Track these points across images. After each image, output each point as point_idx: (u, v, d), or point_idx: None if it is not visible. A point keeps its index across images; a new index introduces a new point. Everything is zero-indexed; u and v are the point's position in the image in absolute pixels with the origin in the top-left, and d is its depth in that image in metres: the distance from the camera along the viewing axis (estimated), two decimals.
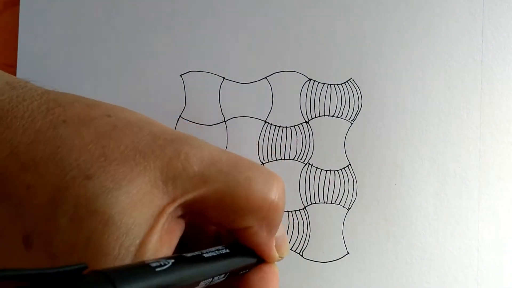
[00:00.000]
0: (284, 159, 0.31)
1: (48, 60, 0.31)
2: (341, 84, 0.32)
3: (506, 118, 0.32)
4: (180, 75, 0.32)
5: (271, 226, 0.21)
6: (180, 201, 0.18)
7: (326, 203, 0.31)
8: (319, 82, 0.32)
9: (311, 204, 0.31)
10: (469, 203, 0.31)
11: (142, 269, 0.16)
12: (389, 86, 0.32)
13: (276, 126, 0.32)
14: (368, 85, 0.32)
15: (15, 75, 0.31)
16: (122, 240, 0.17)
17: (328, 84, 0.32)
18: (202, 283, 0.18)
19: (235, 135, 0.31)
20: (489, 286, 0.31)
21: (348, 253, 0.31)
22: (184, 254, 0.18)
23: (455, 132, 0.31)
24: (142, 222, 0.17)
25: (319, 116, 0.32)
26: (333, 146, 0.31)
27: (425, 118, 0.31)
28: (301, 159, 0.31)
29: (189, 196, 0.19)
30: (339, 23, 0.32)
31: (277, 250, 0.23)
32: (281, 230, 0.23)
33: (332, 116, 0.32)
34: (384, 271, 0.31)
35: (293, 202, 0.31)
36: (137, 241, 0.17)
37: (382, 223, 0.31)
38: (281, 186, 0.21)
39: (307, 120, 0.32)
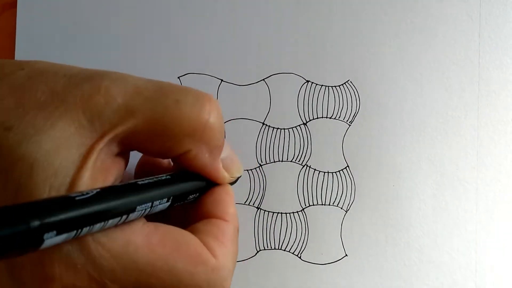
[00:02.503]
0: (282, 161, 0.31)
1: None
2: (338, 86, 0.32)
3: (503, 119, 0.32)
4: (178, 77, 0.32)
5: (211, 147, 0.21)
6: (109, 136, 0.18)
7: (324, 205, 0.31)
8: (316, 84, 0.32)
9: (309, 206, 0.31)
10: (467, 205, 0.31)
11: (60, 200, 0.16)
12: (387, 88, 0.32)
13: (274, 128, 0.32)
14: (366, 86, 0.32)
15: None
16: (51, 180, 0.17)
17: (326, 86, 0.32)
18: (140, 208, 0.18)
19: (233, 137, 0.31)
20: (487, 287, 0.31)
21: (346, 255, 0.31)
22: (115, 185, 0.18)
23: (452, 134, 0.32)
24: (70, 162, 0.17)
25: (317, 118, 0.32)
26: (331, 148, 0.31)
27: (422, 120, 0.32)
28: (299, 161, 0.31)
29: (118, 130, 0.18)
30: (336, 25, 0.32)
31: (227, 171, 0.23)
32: (227, 150, 0.23)
33: (330, 118, 0.32)
34: (383, 273, 0.31)
35: (291, 204, 0.31)
36: (67, 180, 0.17)
37: (380, 225, 0.31)
38: (214, 105, 0.20)
39: (305, 122, 0.32)
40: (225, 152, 0.23)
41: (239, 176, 0.24)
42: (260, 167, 0.31)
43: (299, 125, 0.32)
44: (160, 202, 0.19)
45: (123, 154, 0.20)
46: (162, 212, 0.21)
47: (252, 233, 0.31)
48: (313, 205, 0.31)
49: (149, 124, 0.19)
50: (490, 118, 0.32)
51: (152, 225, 0.19)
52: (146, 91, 0.19)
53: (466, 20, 0.32)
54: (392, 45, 0.32)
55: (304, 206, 0.31)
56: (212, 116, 0.20)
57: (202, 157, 0.21)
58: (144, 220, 0.19)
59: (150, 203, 0.19)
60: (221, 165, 0.22)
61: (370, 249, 0.31)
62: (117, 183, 0.20)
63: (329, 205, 0.31)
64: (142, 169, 0.25)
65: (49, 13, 0.32)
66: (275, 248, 0.31)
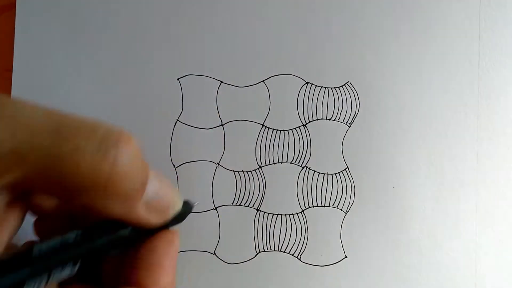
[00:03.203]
0: (281, 162, 0.31)
1: (44, 64, 0.31)
2: (338, 87, 0.32)
3: (503, 121, 0.32)
4: (178, 79, 0.32)
5: (122, 195, 0.17)
6: None
7: (324, 206, 0.31)
8: (316, 86, 0.32)
9: (309, 207, 0.31)
10: (467, 206, 0.31)
11: None
12: (387, 89, 0.32)
13: (273, 129, 0.32)
14: (366, 88, 0.32)
15: (11, 79, 0.31)
16: None
17: (326, 88, 0.32)
18: (31, 282, 0.16)
19: (232, 138, 0.31)
20: None
21: (346, 256, 0.31)
22: (8, 252, 0.16)
23: (452, 135, 0.32)
24: None
25: (317, 119, 0.32)
26: (330, 150, 0.31)
27: (422, 122, 0.32)
28: (298, 163, 0.31)
29: (4, 180, 0.16)
30: (336, 26, 0.32)
31: (157, 212, 0.19)
32: (153, 186, 0.18)
33: (330, 119, 0.32)
34: (382, 275, 0.31)
35: (290, 205, 0.31)
36: None
37: (380, 226, 0.31)
38: (124, 149, 0.16)
39: (304, 124, 0.32)
40: (151, 188, 0.18)
41: (187, 209, 0.20)
42: (259, 168, 0.31)
43: (298, 127, 0.32)
44: (63, 268, 0.17)
45: (20, 199, 0.17)
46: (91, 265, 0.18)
47: (251, 235, 0.31)
48: (313, 206, 0.31)
49: (41, 174, 0.16)
50: (490, 119, 0.32)
51: None
52: (40, 135, 0.16)
53: (465, 22, 0.32)
54: (392, 47, 0.32)
55: (303, 208, 0.31)
56: (118, 163, 0.16)
57: (113, 208, 0.17)
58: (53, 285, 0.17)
59: (47, 274, 0.16)
60: (141, 211, 0.18)
61: (370, 250, 0.31)
62: (13, 234, 0.17)
63: (329, 206, 0.31)
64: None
65: (48, 14, 0.31)
66: (275, 250, 0.31)
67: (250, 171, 0.31)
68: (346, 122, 0.32)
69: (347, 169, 0.31)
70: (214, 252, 0.31)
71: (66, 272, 0.17)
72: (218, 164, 0.31)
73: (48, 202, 0.20)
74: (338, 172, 0.31)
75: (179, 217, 0.20)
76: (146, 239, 0.19)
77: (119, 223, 0.18)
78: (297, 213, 0.31)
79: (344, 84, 0.32)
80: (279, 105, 0.32)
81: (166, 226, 0.19)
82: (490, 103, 0.32)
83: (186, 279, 0.30)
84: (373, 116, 0.32)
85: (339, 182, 0.31)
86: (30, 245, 0.16)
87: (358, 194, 0.31)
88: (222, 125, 0.31)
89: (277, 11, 0.32)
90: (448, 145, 0.31)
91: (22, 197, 0.17)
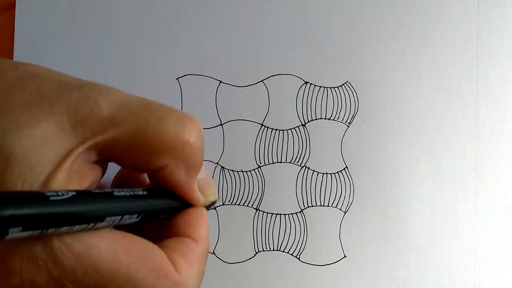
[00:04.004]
0: (280, 162, 0.31)
1: (44, 64, 0.31)
2: (337, 87, 0.32)
3: (501, 120, 0.32)
4: (177, 79, 0.32)
5: (188, 165, 0.21)
6: (89, 143, 0.18)
7: (323, 206, 0.31)
8: (315, 85, 0.32)
9: (308, 207, 0.31)
10: (466, 206, 0.31)
11: (34, 195, 0.16)
12: (385, 89, 0.32)
13: (272, 129, 0.32)
14: (364, 88, 0.32)
15: None
16: (25, 176, 0.17)
17: (325, 87, 0.32)
18: (109, 219, 0.18)
19: (231, 138, 0.31)
20: None
21: (345, 256, 0.31)
22: (92, 190, 0.19)
23: (451, 135, 0.32)
24: (47, 161, 0.17)
25: (316, 119, 0.32)
26: (329, 149, 0.31)
27: (421, 121, 0.32)
28: (297, 162, 0.31)
29: (99, 139, 0.19)
30: (335, 26, 0.32)
31: (202, 193, 0.23)
32: (204, 172, 0.23)
33: (329, 119, 0.32)
34: (381, 274, 0.31)
35: (289, 205, 0.31)
36: (42, 178, 0.17)
37: (379, 225, 0.31)
38: (196, 127, 0.21)
39: (303, 123, 0.32)
40: (202, 174, 0.23)
41: (214, 201, 0.24)
42: (258, 168, 0.31)
43: (297, 126, 0.32)
44: (130, 217, 0.20)
45: (101, 163, 0.20)
46: (133, 225, 0.21)
47: (250, 234, 0.31)
48: (312, 206, 0.31)
49: (130, 136, 0.19)
50: (489, 119, 0.32)
51: (119, 233, 0.19)
52: (131, 106, 0.19)
53: (464, 21, 0.32)
54: (391, 46, 0.32)
55: (303, 207, 0.31)
56: (192, 136, 0.20)
57: (178, 174, 0.21)
58: (111, 227, 0.19)
59: (120, 216, 0.19)
60: (196, 186, 0.22)
61: (368, 250, 0.31)
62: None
63: (327, 206, 0.31)
64: (119, 182, 0.25)
65: (48, 14, 0.32)
66: (274, 250, 0.31)
67: (249, 171, 0.31)
68: (345, 122, 0.32)
69: (346, 168, 0.31)
70: (213, 252, 0.31)
71: (130, 220, 0.20)
72: (217, 163, 0.31)
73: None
74: (337, 172, 0.31)
75: (210, 205, 0.24)
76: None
77: (172, 195, 0.22)
78: (296, 213, 0.31)
79: (343, 84, 0.32)
80: (278, 105, 0.32)
81: None
82: (489, 102, 0.32)
83: None
84: (372, 116, 0.32)
85: (338, 181, 0.31)
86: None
87: (357, 194, 0.31)
88: (221, 124, 0.31)
89: (276, 11, 0.32)
90: (447, 144, 0.31)
91: (104, 161, 0.20)
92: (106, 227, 0.19)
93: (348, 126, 0.32)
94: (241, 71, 0.32)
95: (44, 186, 0.17)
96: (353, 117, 0.32)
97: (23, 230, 0.15)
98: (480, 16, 0.32)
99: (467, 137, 0.32)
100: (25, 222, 0.15)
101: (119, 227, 0.20)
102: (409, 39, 0.32)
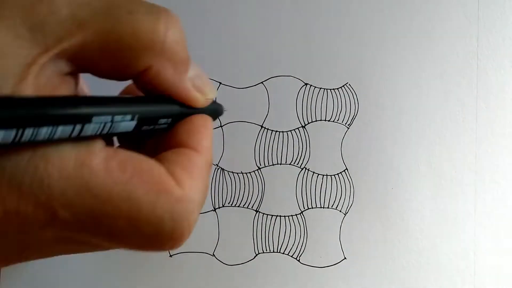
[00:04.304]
0: (280, 163, 0.31)
1: None
2: (337, 88, 0.32)
3: (501, 121, 0.32)
4: None
5: (175, 61, 0.19)
6: (54, 50, 0.16)
7: (323, 208, 0.31)
8: (315, 87, 0.32)
9: (308, 209, 0.31)
10: (466, 207, 0.31)
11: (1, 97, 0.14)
12: (385, 91, 0.32)
13: (272, 130, 0.32)
14: (364, 89, 0.32)
15: None
16: None
17: (325, 89, 0.32)
18: (97, 120, 0.16)
19: (231, 140, 0.31)
20: None
21: (345, 257, 0.31)
22: (68, 96, 0.17)
23: (451, 136, 0.32)
24: (9, 73, 0.15)
25: (316, 120, 0.32)
26: (329, 151, 0.31)
27: (421, 123, 0.32)
28: (297, 164, 0.31)
29: (65, 45, 0.16)
30: (335, 28, 0.32)
31: (198, 91, 0.21)
32: (194, 68, 0.21)
33: (329, 120, 0.32)
34: (381, 276, 0.31)
35: (289, 207, 0.31)
36: (6, 92, 0.15)
37: (379, 227, 0.31)
38: (171, 16, 0.18)
39: (303, 125, 0.32)
40: (193, 71, 0.20)
41: (215, 104, 0.22)
42: (258, 170, 0.31)
43: (297, 128, 0.32)
44: (122, 118, 0.17)
45: (74, 75, 0.18)
46: (132, 141, 0.20)
47: (251, 236, 0.31)
48: (312, 208, 0.31)
49: (100, 38, 0.17)
50: (489, 120, 0.32)
51: (111, 149, 0.17)
52: (94, 2, 0.17)
53: (464, 22, 0.32)
54: (391, 48, 0.32)
55: (303, 209, 0.31)
56: (170, 27, 0.18)
57: (166, 73, 0.19)
58: (103, 143, 0.18)
59: (110, 117, 0.17)
60: (189, 84, 0.20)
61: (368, 251, 0.31)
62: None
63: (327, 208, 0.31)
64: None
65: None
66: (274, 251, 0.31)
67: (249, 172, 0.31)
68: (345, 124, 0.32)
69: (346, 170, 0.31)
70: (213, 254, 0.31)
71: (124, 125, 0.18)
72: (217, 165, 0.31)
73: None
74: (337, 173, 0.31)
75: (213, 112, 0.22)
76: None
77: (168, 99, 0.20)
78: (296, 215, 0.31)
79: (343, 86, 0.32)
80: (278, 107, 0.32)
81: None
82: (489, 104, 0.32)
83: (185, 280, 0.30)
84: (372, 118, 0.32)
85: (338, 183, 0.31)
86: None
87: (357, 195, 0.31)
88: (221, 126, 0.31)
89: (276, 12, 0.32)
90: (447, 146, 0.31)
91: (76, 72, 0.18)
92: (96, 137, 0.17)
93: (348, 128, 0.32)
94: (241, 73, 0.32)
95: None
96: (353, 119, 0.32)
97: None
98: (480, 17, 0.32)
99: (467, 139, 0.32)
100: None
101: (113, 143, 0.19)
102: (409, 41, 0.32)
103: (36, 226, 0.16)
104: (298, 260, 0.31)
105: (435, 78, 0.32)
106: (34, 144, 0.15)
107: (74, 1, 0.17)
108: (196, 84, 0.20)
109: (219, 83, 0.31)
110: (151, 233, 0.17)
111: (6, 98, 0.14)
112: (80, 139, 0.16)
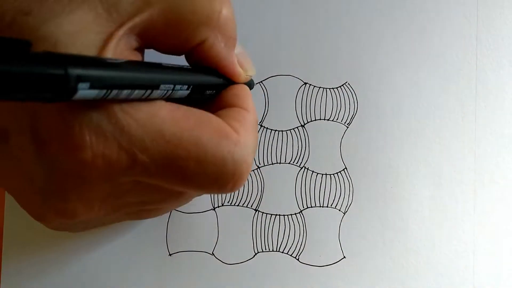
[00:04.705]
0: (279, 163, 0.31)
1: None
2: (336, 88, 0.32)
3: (501, 121, 0.32)
4: None
5: (226, 36, 0.21)
6: (127, 25, 0.19)
7: (322, 207, 0.31)
8: (314, 86, 0.32)
9: (307, 208, 0.31)
10: (465, 207, 0.31)
11: (95, 58, 0.16)
12: (385, 90, 0.32)
13: (271, 130, 0.32)
14: (364, 89, 0.32)
15: None
16: None
17: (324, 88, 0.32)
18: (163, 87, 0.19)
19: None
20: None
21: (344, 257, 0.31)
22: (143, 61, 0.19)
23: (450, 136, 0.32)
24: (92, 45, 0.18)
25: (315, 120, 0.32)
26: (329, 150, 0.31)
27: (420, 122, 0.32)
28: (297, 163, 0.31)
29: (135, 20, 0.19)
30: (334, 27, 0.32)
31: (241, 67, 0.23)
32: (239, 46, 0.23)
33: (328, 120, 0.32)
34: (381, 275, 0.31)
35: (289, 206, 0.31)
36: None
37: (378, 226, 0.31)
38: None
39: (302, 124, 0.32)
40: (239, 49, 0.23)
41: (251, 79, 0.25)
42: (258, 169, 0.31)
43: (297, 127, 0.32)
44: (181, 88, 0.20)
45: (140, 50, 0.21)
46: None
47: (250, 235, 0.31)
48: (311, 207, 0.31)
49: (165, 14, 0.19)
50: (488, 120, 0.32)
51: (174, 104, 0.20)
52: None
53: (463, 22, 0.32)
54: (390, 47, 0.32)
55: (302, 208, 0.31)
56: (225, 6, 0.21)
57: (219, 46, 0.21)
58: (164, 101, 0.20)
59: (173, 85, 0.19)
60: (236, 60, 0.23)
61: (368, 251, 0.31)
62: None
63: (327, 207, 0.31)
64: None
65: None
66: (273, 250, 0.31)
67: None
68: (344, 123, 0.32)
69: (345, 169, 0.31)
70: (212, 253, 0.31)
71: (181, 93, 0.20)
72: None
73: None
74: (336, 173, 0.31)
75: (250, 85, 0.25)
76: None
77: (215, 72, 0.22)
78: (295, 214, 0.31)
79: (342, 85, 0.32)
80: (277, 106, 0.32)
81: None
82: (488, 104, 0.32)
83: (184, 279, 0.30)
84: (371, 117, 0.32)
85: (337, 182, 0.31)
86: None
87: (356, 195, 0.31)
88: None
89: (275, 11, 0.32)
90: (446, 145, 0.32)
91: (142, 48, 0.21)
92: (160, 98, 0.19)
93: (348, 127, 0.32)
94: None
95: None
96: (352, 118, 0.32)
97: (90, 88, 0.15)
98: (479, 17, 0.32)
99: (467, 138, 0.32)
100: (91, 80, 0.15)
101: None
102: (408, 40, 0.32)
103: (119, 171, 0.18)
104: (297, 259, 0.31)
105: (434, 78, 0.32)
106: (116, 100, 0.17)
107: None
108: (240, 60, 0.23)
109: None
110: (217, 172, 0.20)
111: (104, 62, 0.16)
112: (148, 99, 0.19)
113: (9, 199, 0.30)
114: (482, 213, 0.31)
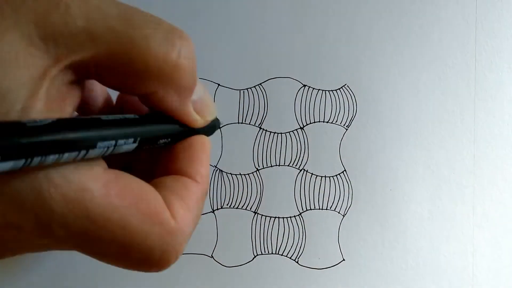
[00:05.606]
0: (279, 165, 0.31)
1: None
2: (335, 90, 0.32)
3: (499, 123, 0.32)
4: None
5: (180, 88, 0.19)
6: (65, 62, 0.16)
7: (322, 209, 0.31)
8: (313, 88, 0.32)
9: (307, 210, 0.31)
10: (464, 208, 0.31)
11: (9, 124, 0.14)
12: (384, 92, 0.32)
13: (271, 132, 0.31)
14: (363, 91, 0.32)
15: None
16: None
17: (323, 90, 0.32)
18: (101, 145, 0.17)
19: (230, 141, 0.31)
20: None
21: (343, 259, 0.31)
22: (77, 117, 0.17)
23: (449, 138, 0.32)
24: (21, 86, 0.15)
25: (314, 122, 0.32)
26: (328, 152, 0.31)
27: (419, 124, 0.32)
28: (296, 165, 0.31)
29: (75, 57, 0.16)
30: (333, 29, 0.32)
31: (199, 114, 0.21)
32: (199, 92, 0.21)
33: (327, 122, 0.32)
34: (380, 277, 0.31)
35: (288, 208, 0.31)
36: (18, 107, 0.15)
37: (377, 228, 0.31)
38: (186, 43, 0.18)
39: (302, 126, 0.32)
40: (197, 94, 0.21)
41: (216, 123, 0.23)
42: (257, 171, 0.31)
43: (296, 130, 0.32)
44: (125, 142, 0.18)
45: (79, 82, 0.18)
46: (130, 155, 0.20)
47: (249, 237, 0.31)
48: (310, 209, 0.31)
49: (111, 56, 0.17)
50: (487, 121, 0.32)
51: (113, 174, 0.18)
52: (111, 19, 0.17)
53: (462, 24, 0.32)
54: (389, 49, 0.32)
55: (301, 211, 0.31)
56: (182, 55, 0.18)
57: (170, 99, 0.19)
58: (105, 166, 0.18)
59: (114, 142, 0.17)
60: (191, 108, 0.21)
61: (367, 253, 0.31)
62: (73, 115, 0.18)
63: (326, 209, 0.31)
64: (121, 105, 0.23)
65: None
66: (272, 253, 0.31)
67: (248, 174, 0.31)
68: (344, 125, 0.32)
69: (344, 171, 0.31)
70: (211, 255, 0.31)
71: (127, 147, 0.18)
72: (216, 167, 0.31)
73: (99, 98, 0.22)
74: (336, 175, 0.31)
75: (211, 129, 0.23)
76: (184, 139, 0.22)
77: (169, 118, 0.20)
78: (294, 216, 0.31)
79: (341, 87, 0.32)
80: (276, 108, 0.32)
81: (198, 133, 0.22)
82: (487, 105, 0.32)
83: (183, 282, 0.30)
84: (370, 119, 0.32)
85: (337, 184, 0.31)
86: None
87: (355, 197, 0.31)
88: (219, 127, 0.31)
89: (274, 14, 0.32)
90: (445, 147, 0.32)
91: (82, 80, 0.18)
92: (99, 162, 0.17)
93: (347, 129, 0.32)
94: (239, 74, 0.31)
95: (22, 116, 0.15)
96: (351, 120, 0.32)
97: (2, 161, 0.13)
98: (478, 19, 0.32)
99: (465, 140, 0.32)
100: (4, 153, 0.13)
101: (116, 160, 0.19)
102: (407, 42, 0.32)
103: (32, 238, 0.17)
104: (297, 262, 0.31)
105: (433, 80, 0.32)
106: (42, 166, 0.15)
107: (89, 15, 0.16)
108: (198, 107, 0.21)
109: (217, 85, 0.31)
110: (140, 259, 0.18)
111: (17, 126, 0.14)
112: (84, 160, 0.17)
113: None
114: (481, 214, 0.31)
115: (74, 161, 0.16)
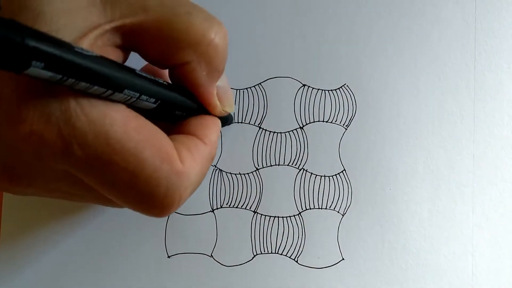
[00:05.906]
0: (278, 164, 0.31)
1: None
2: (335, 89, 0.32)
3: (499, 123, 0.32)
4: None
5: (211, 66, 0.21)
6: (117, 23, 0.19)
7: (321, 208, 0.31)
8: (313, 88, 0.32)
9: (306, 210, 0.31)
10: (464, 208, 0.31)
11: (61, 41, 0.16)
12: (383, 92, 0.32)
13: (270, 131, 0.32)
14: (362, 90, 0.32)
15: None
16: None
17: (322, 90, 0.32)
18: (127, 92, 0.18)
19: (229, 141, 0.31)
20: None
21: (343, 259, 0.31)
22: (115, 61, 0.18)
23: (449, 138, 0.32)
24: (75, 28, 0.17)
25: (314, 121, 0.32)
26: (327, 152, 0.31)
27: (419, 124, 0.32)
28: (295, 165, 0.31)
29: (126, 21, 0.19)
30: (333, 29, 0.32)
31: (219, 100, 0.23)
32: (224, 80, 0.23)
33: (327, 121, 0.32)
34: (379, 277, 0.31)
35: (287, 207, 0.31)
36: (69, 40, 0.17)
37: (377, 228, 0.31)
38: (223, 30, 0.21)
39: (301, 126, 0.32)
40: (222, 82, 0.23)
41: (230, 117, 0.24)
42: (256, 171, 0.31)
43: (295, 129, 0.32)
44: (147, 99, 0.19)
45: (124, 50, 0.20)
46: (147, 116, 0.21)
47: (248, 237, 0.31)
48: (310, 209, 0.31)
49: (157, 24, 0.19)
50: (486, 121, 0.32)
51: (133, 112, 0.19)
52: None
53: (461, 24, 0.32)
54: (388, 49, 0.32)
55: (300, 210, 0.31)
56: (218, 37, 0.20)
57: (200, 73, 0.21)
58: (126, 106, 0.19)
59: (138, 94, 0.19)
60: (215, 91, 0.22)
61: (366, 252, 0.31)
62: None
63: (325, 209, 0.31)
64: None
65: None
66: (272, 252, 0.31)
67: (247, 173, 0.31)
68: (343, 125, 0.32)
69: (344, 171, 0.31)
70: (211, 255, 0.31)
71: (145, 104, 0.20)
72: (215, 166, 0.31)
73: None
74: (335, 174, 0.31)
75: (224, 119, 0.24)
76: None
77: (191, 95, 0.22)
78: (294, 215, 0.31)
79: (341, 87, 0.32)
80: (276, 107, 0.32)
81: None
82: (486, 105, 0.32)
83: (183, 281, 0.30)
84: (370, 119, 0.32)
85: (336, 184, 0.31)
86: None
87: (355, 196, 0.31)
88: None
89: (274, 13, 0.32)
90: (445, 147, 0.32)
91: (127, 48, 0.20)
92: (122, 102, 0.19)
93: (346, 129, 0.32)
94: (238, 74, 0.32)
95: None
96: (351, 120, 0.32)
97: (45, 68, 0.15)
98: (477, 19, 0.32)
99: (465, 140, 0.32)
100: (47, 60, 0.15)
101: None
102: (407, 41, 0.32)
103: (51, 155, 0.18)
104: (296, 261, 0.31)
105: (432, 80, 0.32)
106: (73, 89, 0.17)
107: None
108: (220, 93, 0.23)
109: None
110: (146, 192, 0.19)
111: (66, 46, 0.16)
112: (108, 99, 0.18)
113: (7, 197, 0.30)
114: (481, 215, 0.31)
115: (100, 97, 0.18)
